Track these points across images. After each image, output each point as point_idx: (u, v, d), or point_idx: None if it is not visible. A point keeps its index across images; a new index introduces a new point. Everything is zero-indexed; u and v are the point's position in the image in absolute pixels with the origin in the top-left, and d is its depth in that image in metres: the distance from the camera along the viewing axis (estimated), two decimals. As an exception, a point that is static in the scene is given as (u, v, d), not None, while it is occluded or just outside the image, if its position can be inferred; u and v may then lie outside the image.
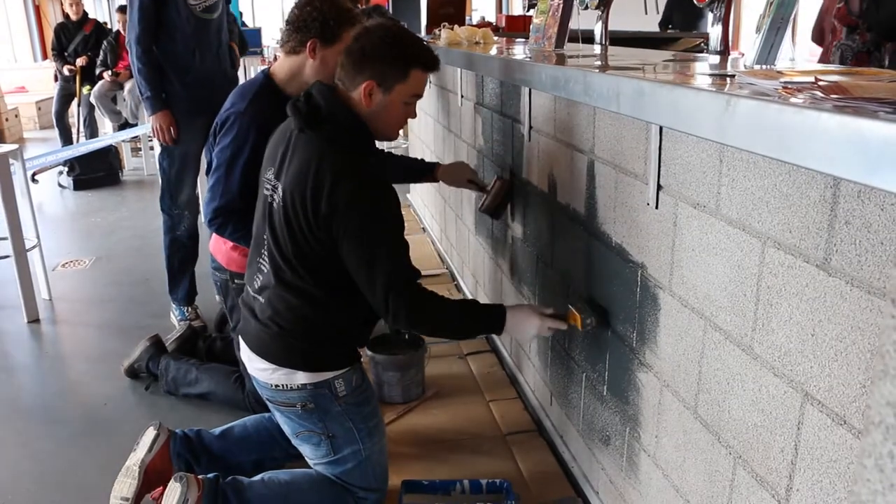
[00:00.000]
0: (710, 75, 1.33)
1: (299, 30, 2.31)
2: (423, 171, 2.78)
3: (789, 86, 0.92)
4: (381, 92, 1.86)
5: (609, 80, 1.43)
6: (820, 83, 0.90)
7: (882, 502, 0.49)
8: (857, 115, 0.74)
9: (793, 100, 0.84)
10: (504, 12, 11.60)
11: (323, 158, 1.83)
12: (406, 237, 1.91)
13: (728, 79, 1.22)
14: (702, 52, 3.75)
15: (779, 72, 1.06)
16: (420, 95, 1.94)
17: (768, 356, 1.16)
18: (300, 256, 1.88)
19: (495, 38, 3.67)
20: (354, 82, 1.87)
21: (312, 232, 1.84)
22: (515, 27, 4.76)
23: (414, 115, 2.00)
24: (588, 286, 1.96)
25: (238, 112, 2.34)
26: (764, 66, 1.29)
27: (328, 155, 1.83)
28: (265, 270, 1.98)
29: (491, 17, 10.59)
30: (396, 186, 1.94)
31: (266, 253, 1.97)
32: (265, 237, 1.97)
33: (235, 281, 2.47)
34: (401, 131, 2.09)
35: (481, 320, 1.98)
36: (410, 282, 1.86)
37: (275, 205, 1.92)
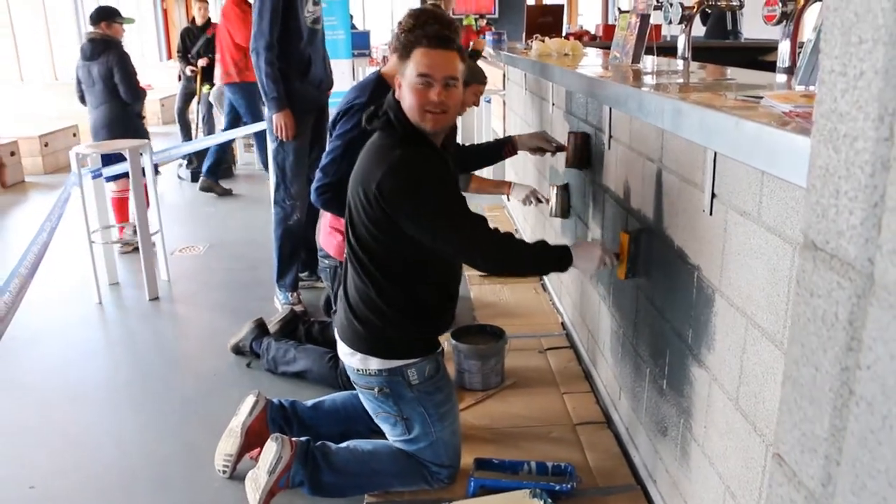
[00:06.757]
0: (745, 97, 1.45)
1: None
2: (499, 148, 3.01)
3: (793, 110, 1.05)
4: (401, 77, 2.01)
5: (655, 99, 1.57)
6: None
7: (789, 438, 0.64)
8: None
9: (789, 123, 0.97)
10: (610, 21, 11.61)
11: (368, 150, 2.06)
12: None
13: (757, 101, 1.34)
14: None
15: (803, 95, 1.18)
16: (427, 75, 1.95)
17: (796, 351, 1.28)
18: (360, 243, 2.08)
19: (589, 49, 3.81)
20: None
21: (370, 218, 2.02)
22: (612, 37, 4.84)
23: (434, 98, 1.96)
24: (653, 287, 2.09)
25: (362, 104, 2.64)
26: (807, 87, 1.40)
27: (370, 146, 2.07)
28: (347, 257, 2.20)
29: (595, 26, 10.61)
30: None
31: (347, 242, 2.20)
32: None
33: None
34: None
35: (550, 253, 2.12)
36: (475, 235, 2.03)
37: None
